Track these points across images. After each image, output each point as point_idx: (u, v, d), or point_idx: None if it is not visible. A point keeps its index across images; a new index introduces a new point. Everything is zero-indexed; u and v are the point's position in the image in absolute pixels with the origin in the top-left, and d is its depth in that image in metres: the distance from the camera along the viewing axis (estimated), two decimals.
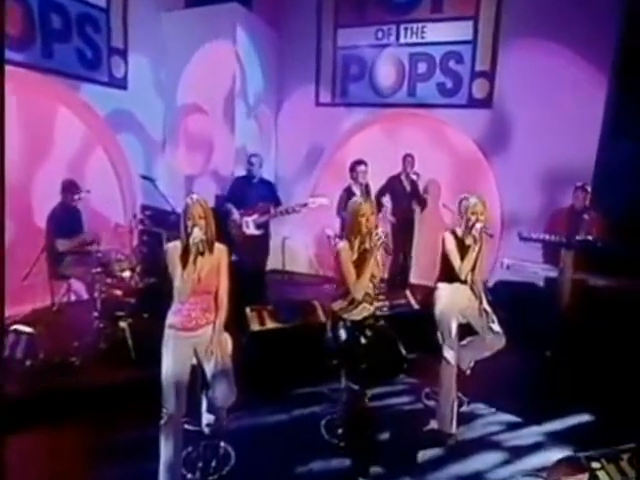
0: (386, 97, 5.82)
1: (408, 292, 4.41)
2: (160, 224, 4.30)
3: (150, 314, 3.75)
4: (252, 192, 4.49)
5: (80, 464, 2.66)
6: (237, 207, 4.43)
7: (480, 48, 5.23)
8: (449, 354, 2.98)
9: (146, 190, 4.92)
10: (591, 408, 3.31)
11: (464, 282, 3.06)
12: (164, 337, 2.39)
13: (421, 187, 5.32)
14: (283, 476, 2.68)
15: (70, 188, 3.99)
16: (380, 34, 5.70)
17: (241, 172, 4.91)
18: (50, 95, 4.60)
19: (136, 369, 3.29)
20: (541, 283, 4.44)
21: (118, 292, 3.87)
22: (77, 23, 4.56)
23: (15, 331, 3.25)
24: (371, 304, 2.86)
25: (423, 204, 5.37)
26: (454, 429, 2.99)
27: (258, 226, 4.46)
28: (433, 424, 3.10)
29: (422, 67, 5.57)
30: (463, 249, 3.03)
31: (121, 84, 5.14)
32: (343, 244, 2.73)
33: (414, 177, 5.15)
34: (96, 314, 3.71)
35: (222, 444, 2.77)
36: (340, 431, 2.98)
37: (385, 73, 5.78)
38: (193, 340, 2.41)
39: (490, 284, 4.60)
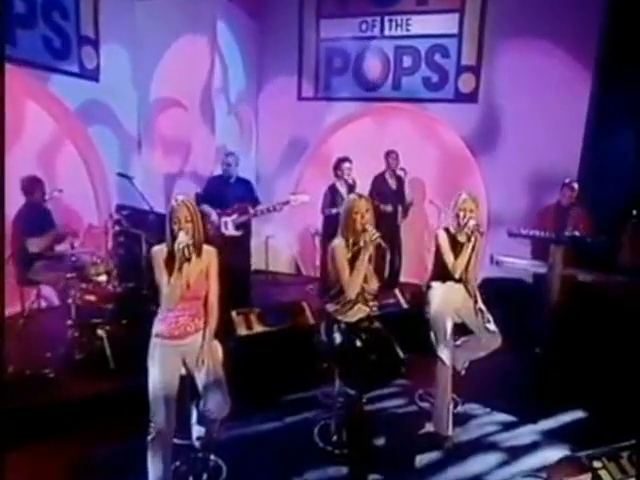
0: (371, 91, 5.71)
1: (397, 291, 4.34)
2: (138, 225, 4.12)
3: (129, 320, 3.59)
4: (229, 192, 4.34)
5: None
6: (214, 208, 4.27)
7: (466, 42, 5.19)
8: (444, 355, 2.92)
9: (122, 189, 4.70)
10: (584, 405, 3.31)
11: (458, 281, 3.02)
12: (150, 347, 2.23)
13: (407, 183, 5.24)
14: None
15: (33, 186, 3.71)
16: (364, 26, 5.58)
17: (218, 171, 4.74)
18: (15, 86, 4.28)
19: (116, 380, 3.12)
20: (530, 279, 4.45)
21: (94, 298, 3.64)
22: (43, 8, 4.24)
23: None
24: (366, 305, 2.78)
25: (409, 202, 5.29)
26: (450, 431, 2.93)
27: (237, 227, 4.31)
28: (429, 427, 3.05)
29: (407, 60, 5.49)
30: (456, 247, 2.99)
31: (93, 75, 4.85)
32: (338, 241, 2.68)
33: (401, 173, 5.06)
34: (70, 322, 3.48)
35: (212, 457, 2.62)
36: (335, 438, 2.89)
37: (369, 66, 5.66)
38: (182, 349, 2.26)
39: (477, 281, 4.58)
